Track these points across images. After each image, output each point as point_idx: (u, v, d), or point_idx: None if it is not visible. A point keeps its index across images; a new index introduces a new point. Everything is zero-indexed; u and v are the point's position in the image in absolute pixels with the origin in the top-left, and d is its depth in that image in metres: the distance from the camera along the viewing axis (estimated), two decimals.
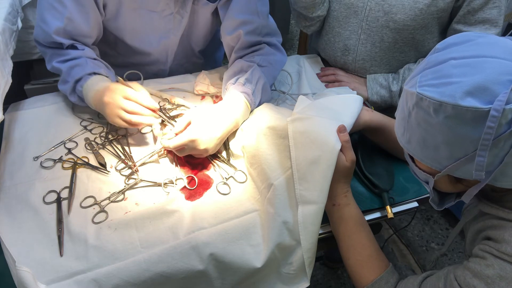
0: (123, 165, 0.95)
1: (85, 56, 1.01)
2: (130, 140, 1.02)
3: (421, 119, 0.61)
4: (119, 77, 1.00)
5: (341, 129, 0.85)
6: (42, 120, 1.04)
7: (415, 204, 0.96)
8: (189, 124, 0.94)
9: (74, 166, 0.89)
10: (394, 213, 0.92)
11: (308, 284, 0.84)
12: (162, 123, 1.04)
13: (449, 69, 0.58)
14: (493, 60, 0.56)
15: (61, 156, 0.95)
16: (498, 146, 0.55)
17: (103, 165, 0.94)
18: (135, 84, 1.00)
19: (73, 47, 1.01)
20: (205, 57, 1.35)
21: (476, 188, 0.62)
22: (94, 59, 1.03)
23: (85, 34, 1.02)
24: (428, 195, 0.82)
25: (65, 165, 0.93)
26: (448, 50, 0.62)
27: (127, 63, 1.21)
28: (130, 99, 0.93)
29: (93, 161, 0.95)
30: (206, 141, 0.91)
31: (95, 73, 1.00)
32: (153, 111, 0.96)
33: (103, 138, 1.01)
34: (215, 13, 1.15)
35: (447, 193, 0.73)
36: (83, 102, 1.01)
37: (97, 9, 1.00)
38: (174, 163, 0.96)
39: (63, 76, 1.01)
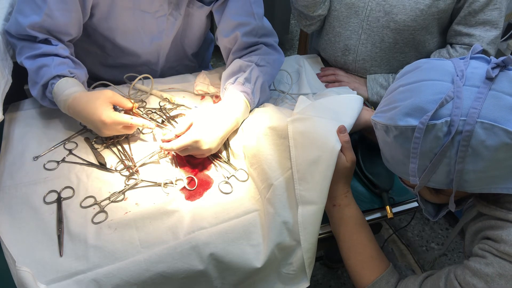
0: (123, 165, 0.95)
1: (55, 53, 0.95)
2: (131, 141, 1.01)
3: (382, 141, 0.71)
4: (131, 100, 0.99)
5: (341, 130, 0.85)
6: (42, 120, 1.04)
7: (415, 204, 0.96)
8: (191, 125, 0.94)
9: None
10: (394, 213, 0.92)
11: (308, 284, 0.84)
12: (162, 123, 1.04)
13: (396, 96, 0.66)
14: (429, 83, 0.63)
15: (64, 157, 0.95)
16: (446, 155, 0.61)
17: (103, 165, 0.94)
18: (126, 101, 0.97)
19: (46, 41, 0.96)
20: (196, 58, 1.35)
21: (452, 197, 0.67)
22: (66, 57, 0.97)
23: (63, 32, 0.98)
24: None
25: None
26: (401, 79, 0.69)
27: (118, 63, 1.20)
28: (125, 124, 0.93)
29: (93, 161, 0.95)
30: (209, 141, 0.91)
31: (63, 76, 0.94)
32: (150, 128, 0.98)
33: (103, 139, 1.01)
34: (209, 15, 1.15)
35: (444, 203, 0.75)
36: (54, 105, 0.96)
37: (80, 9, 0.96)
38: (174, 163, 0.96)
39: (31, 76, 0.95)
